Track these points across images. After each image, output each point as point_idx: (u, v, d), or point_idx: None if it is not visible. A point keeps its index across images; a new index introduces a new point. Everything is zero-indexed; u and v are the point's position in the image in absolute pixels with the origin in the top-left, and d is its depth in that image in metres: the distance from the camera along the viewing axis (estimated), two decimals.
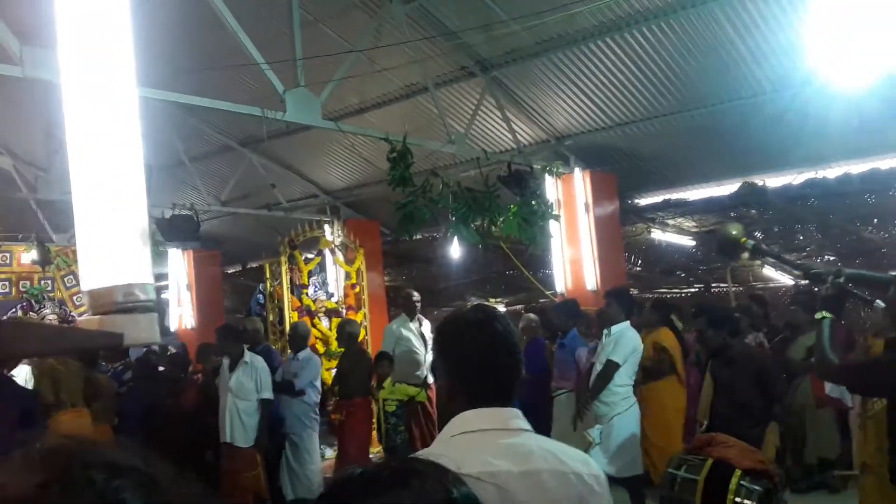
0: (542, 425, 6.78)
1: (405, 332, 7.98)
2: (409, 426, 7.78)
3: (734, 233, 3.80)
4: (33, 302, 11.39)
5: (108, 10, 1.25)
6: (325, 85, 6.68)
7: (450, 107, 8.52)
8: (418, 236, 10.13)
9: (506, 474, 1.58)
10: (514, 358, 1.73)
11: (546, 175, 8.48)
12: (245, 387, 6.56)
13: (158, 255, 11.40)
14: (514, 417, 1.69)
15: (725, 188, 8.98)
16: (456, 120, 8.57)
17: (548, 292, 9.20)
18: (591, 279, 8.56)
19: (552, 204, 8.47)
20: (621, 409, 5.71)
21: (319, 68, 6.73)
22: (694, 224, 11.84)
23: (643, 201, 9.85)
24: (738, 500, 3.94)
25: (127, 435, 6.18)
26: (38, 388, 5.85)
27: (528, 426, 1.71)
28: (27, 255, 11.06)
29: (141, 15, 7.38)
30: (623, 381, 5.73)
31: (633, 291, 12.56)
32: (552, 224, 8.36)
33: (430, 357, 8.14)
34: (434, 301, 14.25)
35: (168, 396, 7.65)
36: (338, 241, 10.52)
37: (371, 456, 8.30)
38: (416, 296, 8.27)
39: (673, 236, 12.03)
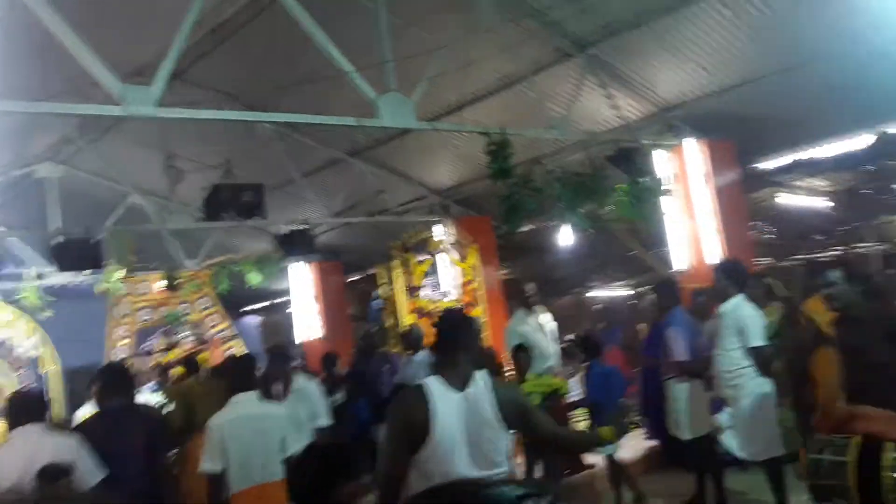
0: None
1: (522, 328, 7.75)
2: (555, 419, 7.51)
3: None
4: (172, 326, 12.13)
5: None
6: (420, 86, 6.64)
7: (549, 92, 8.29)
8: (529, 227, 9.93)
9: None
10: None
11: (656, 149, 8.09)
12: None
13: (280, 271, 11.83)
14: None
15: (858, 142, 8.25)
16: (557, 104, 8.33)
17: (669, 271, 8.77)
18: (714, 253, 8.07)
19: (662, 179, 8.07)
20: (749, 391, 5.32)
21: (414, 71, 6.69)
22: (828, 183, 11.02)
23: (767, 165, 9.22)
24: (895, 475, 3.50)
25: None
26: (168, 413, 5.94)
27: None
28: (160, 284, 11.72)
29: (235, 43, 7.67)
30: (748, 361, 5.34)
31: (768, 260, 11.86)
32: (666, 199, 7.95)
33: (555, 347, 7.91)
34: (555, 290, 13.98)
35: None
36: (450, 239, 10.49)
37: None
38: (529, 288, 8.03)
39: (806, 199, 11.26)
